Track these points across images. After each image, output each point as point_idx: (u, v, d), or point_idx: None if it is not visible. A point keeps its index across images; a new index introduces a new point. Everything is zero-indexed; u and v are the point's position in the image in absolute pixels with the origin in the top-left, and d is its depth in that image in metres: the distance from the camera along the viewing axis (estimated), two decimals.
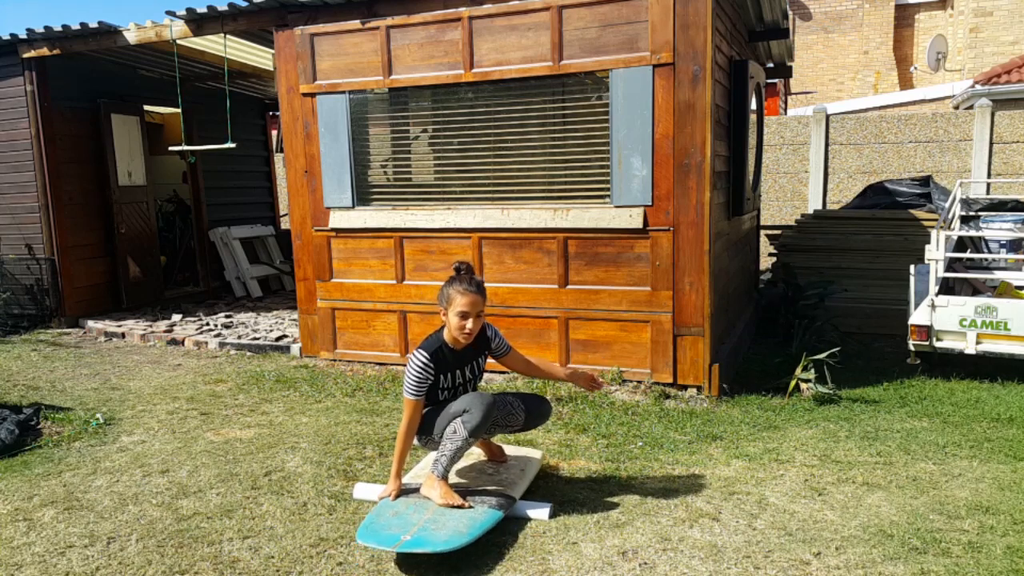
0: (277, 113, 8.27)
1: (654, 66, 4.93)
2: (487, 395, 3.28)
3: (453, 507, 3.20)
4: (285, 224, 11.05)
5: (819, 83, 18.04)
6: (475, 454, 3.81)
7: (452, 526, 3.05)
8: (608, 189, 5.20)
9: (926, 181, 8.36)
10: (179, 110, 8.25)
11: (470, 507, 3.22)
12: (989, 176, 9.55)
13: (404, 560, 2.99)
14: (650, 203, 5.06)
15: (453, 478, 3.52)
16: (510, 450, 3.90)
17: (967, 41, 15.33)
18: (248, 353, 6.62)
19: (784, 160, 10.78)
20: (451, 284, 3.29)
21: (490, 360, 3.58)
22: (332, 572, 2.94)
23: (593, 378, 3.57)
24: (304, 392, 5.42)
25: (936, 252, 5.36)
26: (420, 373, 3.26)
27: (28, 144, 7.51)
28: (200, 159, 9.09)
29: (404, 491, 3.40)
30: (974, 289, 6.01)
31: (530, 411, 3.57)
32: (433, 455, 3.68)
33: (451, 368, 3.37)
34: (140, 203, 8.59)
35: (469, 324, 3.24)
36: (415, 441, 3.46)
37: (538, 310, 5.47)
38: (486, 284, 3.49)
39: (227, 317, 7.98)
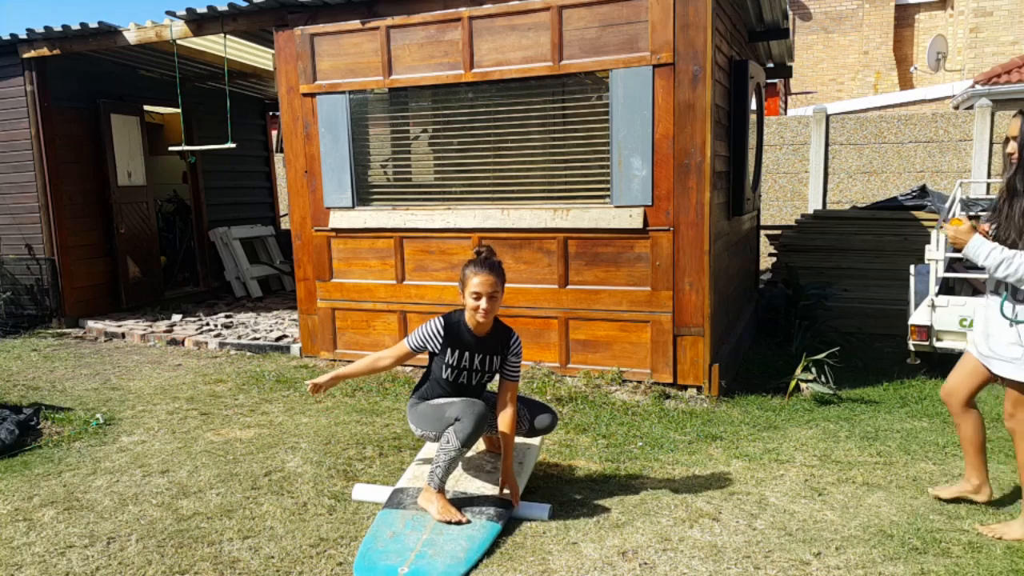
0: (277, 113, 8.27)
1: (654, 66, 4.93)
2: (480, 404, 3.26)
3: (451, 523, 3.19)
4: (285, 224, 11.05)
5: (819, 83, 18.04)
6: (475, 449, 3.81)
7: (450, 550, 3.00)
8: (608, 189, 5.20)
9: (921, 192, 8.35)
10: (179, 110, 8.25)
11: (468, 521, 3.19)
12: (989, 176, 9.54)
13: None
14: (650, 203, 5.06)
15: (451, 477, 3.51)
16: None
17: (967, 41, 15.33)
18: (248, 353, 6.62)
19: (784, 160, 10.79)
20: (468, 266, 3.31)
21: None
22: (332, 572, 2.94)
23: (516, 495, 3.35)
24: (304, 392, 5.42)
25: (936, 252, 5.36)
26: (428, 334, 3.34)
27: (28, 144, 7.51)
28: (200, 159, 9.10)
29: (401, 501, 3.38)
30: (974, 289, 6.00)
31: (535, 421, 3.54)
32: (431, 448, 3.69)
33: (465, 347, 3.34)
34: (140, 203, 8.59)
35: (483, 304, 3.23)
36: (413, 430, 3.47)
37: (538, 310, 5.47)
38: None
39: (227, 317, 7.98)
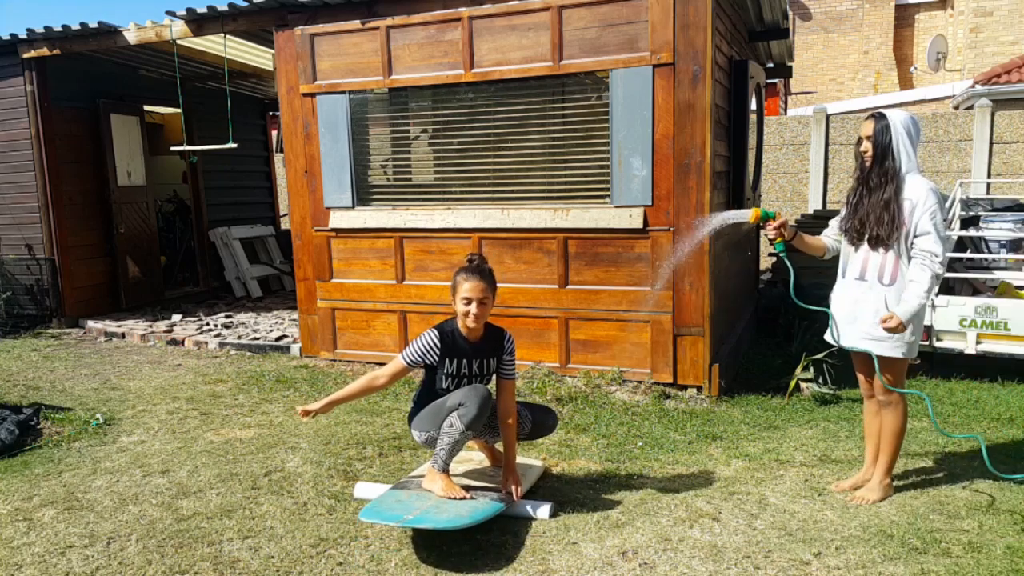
0: (277, 113, 8.27)
1: (654, 66, 4.93)
2: (483, 388, 3.29)
3: (455, 499, 3.24)
4: (285, 224, 11.05)
5: (819, 83, 18.04)
6: (477, 460, 3.82)
7: (454, 511, 3.12)
8: (608, 189, 5.20)
9: None
10: (179, 110, 8.25)
11: (472, 498, 3.26)
12: (989, 176, 9.54)
13: (404, 560, 2.99)
14: (650, 203, 5.06)
15: (456, 479, 3.52)
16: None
17: (967, 41, 15.33)
18: (248, 353, 6.62)
19: (784, 160, 10.79)
20: (459, 272, 3.35)
21: None
22: (332, 572, 2.94)
23: (517, 485, 3.38)
24: (304, 392, 5.42)
25: None
26: (424, 347, 3.34)
27: (28, 144, 7.51)
28: (200, 159, 9.09)
29: (405, 485, 3.42)
30: (974, 289, 6.00)
31: (536, 421, 3.58)
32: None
33: (463, 355, 3.37)
34: (140, 203, 8.59)
35: (473, 309, 3.27)
36: (416, 437, 3.46)
37: (538, 310, 5.47)
38: None
39: (227, 317, 7.98)
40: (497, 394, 3.47)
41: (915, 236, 3.19)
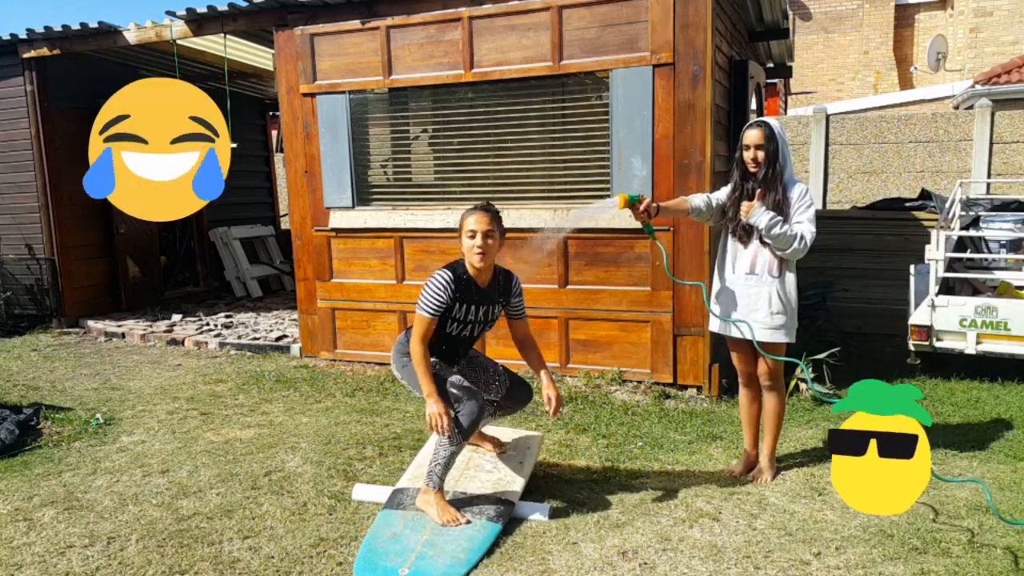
0: (277, 113, 8.27)
1: (654, 66, 4.93)
2: (479, 395, 3.27)
3: (452, 525, 3.17)
4: (285, 224, 11.05)
5: (819, 83, 18.04)
6: (471, 447, 3.81)
7: (450, 551, 3.00)
8: (608, 189, 5.20)
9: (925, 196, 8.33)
10: None
11: (468, 521, 3.19)
12: (989, 176, 9.54)
13: None
14: None
15: (454, 478, 3.52)
16: (508, 433, 3.93)
17: (967, 41, 15.33)
18: (248, 353, 6.62)
19: None
20: (465, 212, 3.28)
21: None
22: (332, 572, 2.94)
23: (558, 406, 3.47)
24: (304, 392, 5.42)
25: (936, 252, 5.36)
26: (440, 289, 3.19)
27: (28, 144, 7.51)
28: None
29: (400, 501, 3.38)
30: (974, 289, 6.00)
31: (511, 390, 3.61)
32: (429, 448, 3.67)
33: (470, 300, 3.28)
34: None
35: (478, 241, 3.17)
36: (399, 378, 3.47)
37: (538, 310, 5.46)
38: None
39: (227, 317, 7.98)
40: (514, 335, 3.55)
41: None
